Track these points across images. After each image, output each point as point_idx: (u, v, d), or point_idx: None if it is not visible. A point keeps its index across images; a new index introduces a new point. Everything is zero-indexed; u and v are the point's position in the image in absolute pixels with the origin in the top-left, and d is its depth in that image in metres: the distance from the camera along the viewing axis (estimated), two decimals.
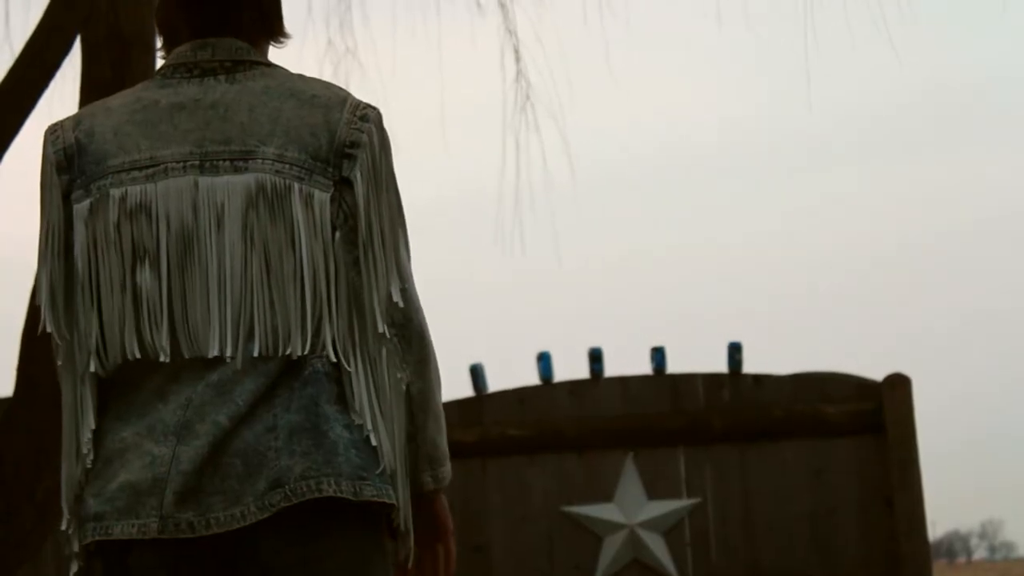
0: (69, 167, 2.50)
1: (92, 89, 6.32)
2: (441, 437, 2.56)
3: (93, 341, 2.45)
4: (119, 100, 2.56)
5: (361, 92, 2.52)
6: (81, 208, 2.47)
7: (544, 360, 8.52)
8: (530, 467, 8.33)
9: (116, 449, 2.42)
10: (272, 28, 2.62)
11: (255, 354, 2.40)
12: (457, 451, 9.00)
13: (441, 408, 2.57)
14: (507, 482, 8.33)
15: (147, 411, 2.42)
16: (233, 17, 2.56)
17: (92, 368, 2.45)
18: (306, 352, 2.40)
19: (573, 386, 8.49)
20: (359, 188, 2.47)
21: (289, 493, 2.36)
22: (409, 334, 2.51)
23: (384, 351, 2.47)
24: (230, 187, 2.44)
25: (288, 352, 2.39)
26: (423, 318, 2.55)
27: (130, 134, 2.50)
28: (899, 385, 8.22)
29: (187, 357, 2.41)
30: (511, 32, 7.19)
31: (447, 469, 2.58)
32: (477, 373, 8.47)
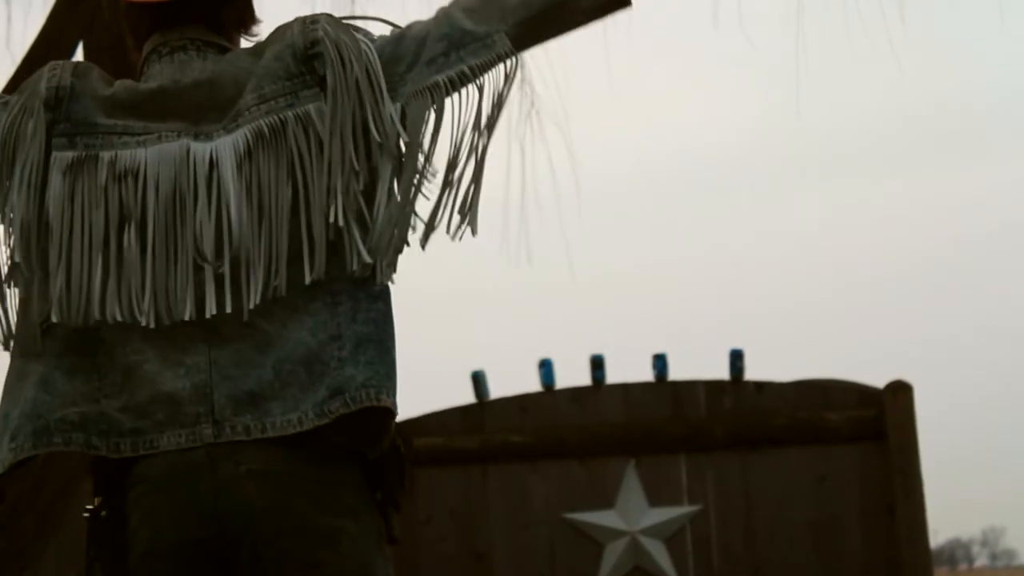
0: (56, 107, 2.49)
1: None
2: None
3: (57, 292, 2.41)
4: (108, 87, 2.54)
5: None
6: (62, 158, 2.46)
7: (546, 367, 8.51)
8: (532, 474, 8.32)
9: (133, 361, 2.41)
10: (241, 19, 2.62)
11: (251, 306, 2.38)
12: (459, 457, 9.01)
13: None
14: (509, 489, 8.32)
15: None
16: (196, 12, 2.56)
17: (54, 320, 2.41)
18: (317, 276, 2.38)
19: (575, 393, 8.49)
20: (328, 75, 2.44)
21: (349, 401, 2.37)
22: (456, 33, 2.45)
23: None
24: (221, 147, 2.44)
25: (276, 285, 2.37)
26: (460, 9, 2.48)
27: (122, 106, 2.50)
28: (901, 392, 8.22)
29: (166, 324, 2.39)
30: None
31: None
32: (479, 380, 8.47)
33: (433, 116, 2.45)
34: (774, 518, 8.21)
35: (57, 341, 2.44)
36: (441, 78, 2.44)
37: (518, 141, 7.63)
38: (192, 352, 2.39)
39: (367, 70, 2.43)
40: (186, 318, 2.39)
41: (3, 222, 2.48)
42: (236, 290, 2.40)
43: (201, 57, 2.53)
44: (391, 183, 2.43)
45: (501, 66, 2.47)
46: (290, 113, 2.43)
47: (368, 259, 2.40)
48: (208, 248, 2.40)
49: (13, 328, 2.48)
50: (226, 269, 2.40)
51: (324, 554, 2.39)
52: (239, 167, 2.42)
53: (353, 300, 2.41)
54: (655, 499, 8.26)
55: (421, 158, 2.44)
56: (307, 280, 2.38)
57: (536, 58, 7.22)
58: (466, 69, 2.45)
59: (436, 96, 2.45)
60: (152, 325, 2.39)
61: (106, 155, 2.45)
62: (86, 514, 2.46)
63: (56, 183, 2.44)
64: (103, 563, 2.45)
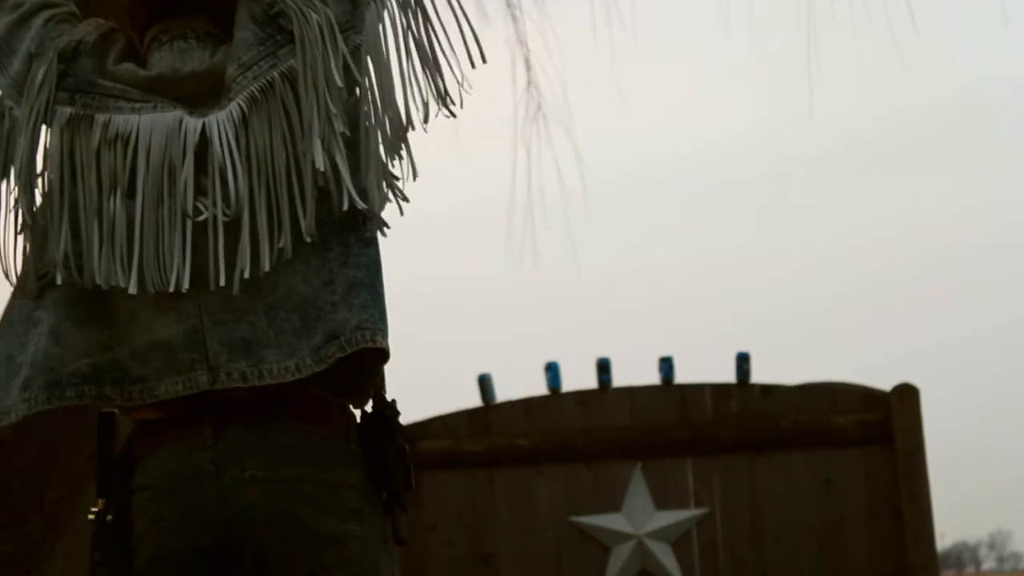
0: (72, 60, 2.49)
1: None
2: None
3: (61, 252, 2.40)
4: (114, 63, 2.54)
5: None
6: (60, 113, 2.45)
7: (552, 370, 8.51)
8: (538, 477, 8.32)
9: (130, 308, 2.40)
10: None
11: (245, 275, 2.36)
12: (465, 461, 9.00)
13: None
14: (515, 492, 8.32)
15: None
16: (196, 4, 2.56)
17: (59, 280, 2.40)
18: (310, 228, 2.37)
19: (581, 396, 8.48)
20: (295, 28, 2.44)
21: (344, 344, 2.37)
22: None
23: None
24: (215, 119, 2.43)
25: (282, 246, 2.36)
26: None
27: (122, 79, 2.49)
28: (907, 395, 8.21)
29: (153, 292, 2.38)
30: (522, 43, 7.19)
31: None
32: (485, 383, 8.47)
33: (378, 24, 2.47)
34: (780, 521, 8.20)
35: (66, 289, 2.42)
36: None
37: (524, 143, 7.63)
38: (181, 296, 2.37)
39: (325, 16, 2.44)
40: (183, 288, 2.36)
41: (10, 164, 2.47)
42: (233, 257, 2.38)
43: (201, 47, 2.53)
44: (366, 121, 2.43)
45: None
46: (275, 73, 2.44)
47: (358, 200, 2.38)
48: (190, 208, 2.38)
49: (16, 268, 2.47)
50: (220, 237, 2.38)
51: (330, 559, 2.38)
52: (236, 136, 2.41)
53: (344, 245, 2.41)
54: (661, 502, 8.26)
55: (387, 86, 2.45)
56: (305, 235, 2.37)
57: (542, 60, 7.22)
58: None
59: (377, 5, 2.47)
60: (136, 292, 2.37)
61: (100, 117, 2.45)
62: (91, 516, 2.46)
63: (54, 138, 2.44)
64: (108, 567, 2.44)
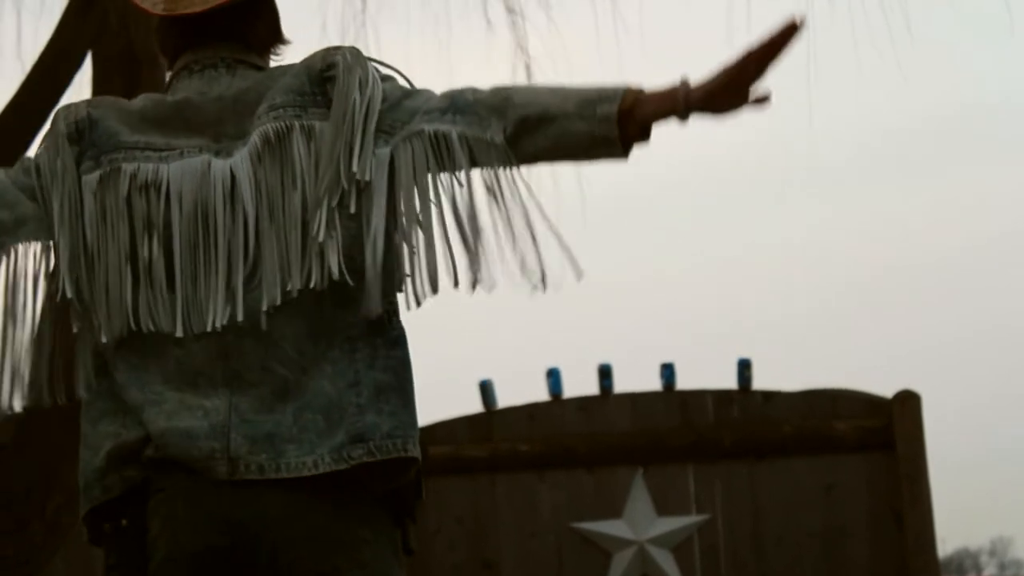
0: (80, 139, 2.52)
1: None
2: (573, 92, 2.39)
3: (103, 311, 2.45)
4: (130, 102, 2.59)
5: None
6: (90, 179, 2.49)
7: (554, 376, 8.51)
8: (539, 483, 8.33)
9: (149, 399, 2.42)
10: (270, 38, 2.65)
11: (264, 308, 2.39)
12: (466, 467, 8.98)
13: (553, 86, 2.43)
14: (516, 498, 8.32)
15: (167, 359, 2.42)
16: (228, 30, 2.59)
17: (104, 340, 2.44)
18: (302, 285, 2.38)
19: (583, 402, 8.49)
20: (335, 98, 2.45)
21: (374, 449, 2.37)
22: (465, 102, 2.42)
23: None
24: (239, 159, 2.46)
25: (288, 289, 2.38)
26: (473, 89, 2.44)
27: (143, 123, 2.53)
28: (908, 401, 8.21)
29: (195, 333, 2.41)
30: (523, 49, 7.20)
31: (609, 89, 2.38)
32: (487, 389, 8.47)
33: (413, 161, 2.42)
34: (782, 527, 8.20)
35: (90, 392, 2.49)
36: (428, 128, 2.42)
37: None
38: (213, 396, 2.40)
39: (368, 104, 2.44)
40: (217, 327, 2.40)
41: (56, 262, 2.51)
42: (255, 296, 2.41)
43: (230, 74, 2.55)
44: (374, 223, 2.41)
45: (492, 152, 2.40)
46: (296, 122, 2.45)
47: (377, 307, 2.39)
48: (236, 260, 2.42)
49: (91, 372, 2.50)
50: (241, 278, 2.41)
51: (341, 561, 2.39)
52: (254, 174, 2.44)
53: (371, 347, 2.42)
54: (663, 508, 8.26)
55: (403, 202, 2.42)
56: (290, 287, 2.39)
57: (545, 67, 7.23)
58: (454, 132, 2.41)
59: (417, 142, 2.42)
60: (179, 334, 2.41)
61: (128, 167, 2.48)
62: (107, 523, 2.47)
63: (89, 205, 2.48)
64: (122, 571, 2.45)
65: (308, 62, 2.52)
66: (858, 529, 8.16)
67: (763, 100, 2.36)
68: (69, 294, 2.46)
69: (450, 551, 8.23)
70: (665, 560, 8.21)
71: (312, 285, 2.39)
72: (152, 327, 2.42)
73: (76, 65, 6.48)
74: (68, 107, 2.58)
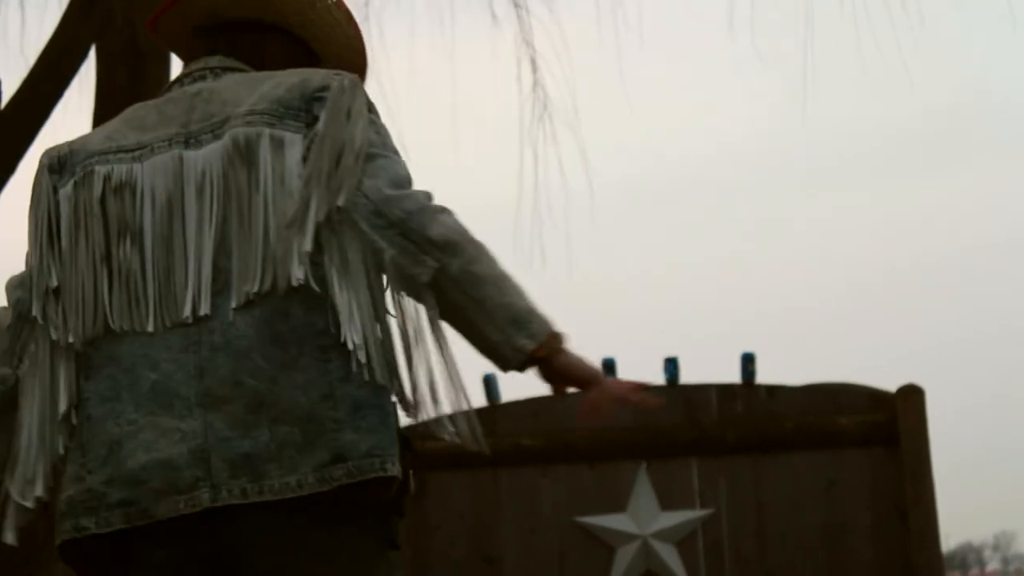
0: (61, 169, 2.56)
1: (107, 98, 6.34)
2: (513, 298, 2.43)
3: (74, 315, 2.45)
4: (116, 118, 2.64)
5: (378, 103, 2.54)
6: (66, 190, 2.52)
7: None
8: (543, 478, 8.32)
9: (126, 432, 2.39)
10: (267, 53, 2.69)
11: (233, 305, 2.39)
12: (469, 461, 8.97)
13: (503, 272, 2.44)
14: (520, 493, 8.32)
15: (142, 384, 2.40)
16: (232, 41, 2.67)
17: (71, 340, 2.44)
18: (266, 287, 2.38)
19: None
20: (321, 117, 2.46)
21: (353, 469, 2.35)
22: (413, 226, 2.41)
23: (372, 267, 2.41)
24: (210, 154, 2.47)
25: (257, 290, 2.38)
26: (435, 211, 2.43)
27: (119, 130, 2.57)
28: (912, 396, 8.20)
29: (168, 327, 2.41)
30: (528, 43, 7.20)
31: (540, 323, 2.45)
32: (490, 383, 8.46)
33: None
34: (785, 522, 8.20)
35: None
36: (370, 235, 2.41)
37: (530, 144, 7.63)
38: (188, 418, 2.37)
39: (354, 139, 2.44)
40: (188, 320, 2.40)
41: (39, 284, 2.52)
42: (222, 292, 2.42)
43: (214, 76, 2.62)
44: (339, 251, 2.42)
45: (414, 289, 2.42)
46: (267, 130, 2.46)
47: (354, 343, 2.38)
48: (206, 256, 2.43)
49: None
50: (210, 272, 2.42)
51: (323, 568, 2.38)
52: (224, 174, 2.45)
53: (343, 358, 2.38)
54: (666, 503, 8.26)
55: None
56: (234, 302, 2.39)
57: (549, 61, 7.22)
58: (386, 255, 2.41)
59: (354, 239, 2.42)
60: (151, 329, 2.41)
61: (101, 169, 2.51)
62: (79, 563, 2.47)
63: (65, 212, 2.52)
64: None
65: (305, 76, 2.52)
66: (861, 524, 8.15)
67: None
68: (35, 311, 2.48)
69: (451, 546, 8.23)
70: (669, 555, 8.20)
71: (275, 288, 2.38)
72: (125, 327, 2.42)
73: (80, 59, 6.48)
74: (51, 147, 2.63)
